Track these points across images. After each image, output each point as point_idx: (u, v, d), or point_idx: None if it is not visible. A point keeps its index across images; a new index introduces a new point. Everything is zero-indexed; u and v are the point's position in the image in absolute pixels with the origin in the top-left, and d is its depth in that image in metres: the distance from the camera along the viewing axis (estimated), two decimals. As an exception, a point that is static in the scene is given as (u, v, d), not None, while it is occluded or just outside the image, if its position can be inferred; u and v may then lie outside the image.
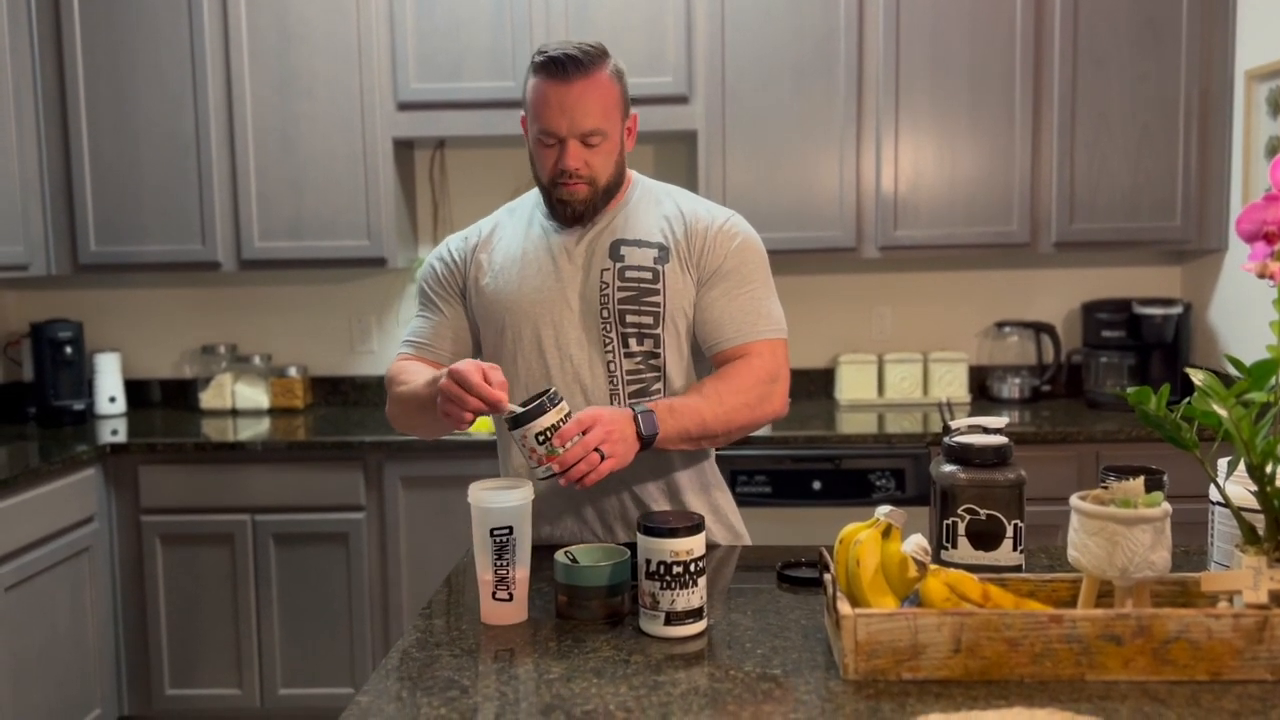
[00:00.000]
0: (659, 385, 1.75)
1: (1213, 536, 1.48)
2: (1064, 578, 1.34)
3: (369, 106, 3.29)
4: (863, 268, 3.62)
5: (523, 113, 1.74)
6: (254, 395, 3.63)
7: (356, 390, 3.74)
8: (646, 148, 3.64)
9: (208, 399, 3.64)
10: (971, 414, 3.07)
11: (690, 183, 3.43)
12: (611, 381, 1.73)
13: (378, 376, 3.73)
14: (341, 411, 3.61)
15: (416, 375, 1.75)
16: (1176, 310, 3.33)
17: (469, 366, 1.51)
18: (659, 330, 1.73)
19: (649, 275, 1.73)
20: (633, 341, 1.73)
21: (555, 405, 1.49)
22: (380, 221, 3.33)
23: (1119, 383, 3.38)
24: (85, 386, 3.53)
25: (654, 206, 1.80)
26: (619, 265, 1.73)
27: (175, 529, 3.13)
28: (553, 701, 1.19)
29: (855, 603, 1.27)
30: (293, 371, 3.65)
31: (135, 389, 3.74)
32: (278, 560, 3.13)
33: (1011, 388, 3.51)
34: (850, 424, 3.19)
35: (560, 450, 1.50)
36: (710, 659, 1.30)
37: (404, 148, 3.49)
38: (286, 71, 3.28)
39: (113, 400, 3.57)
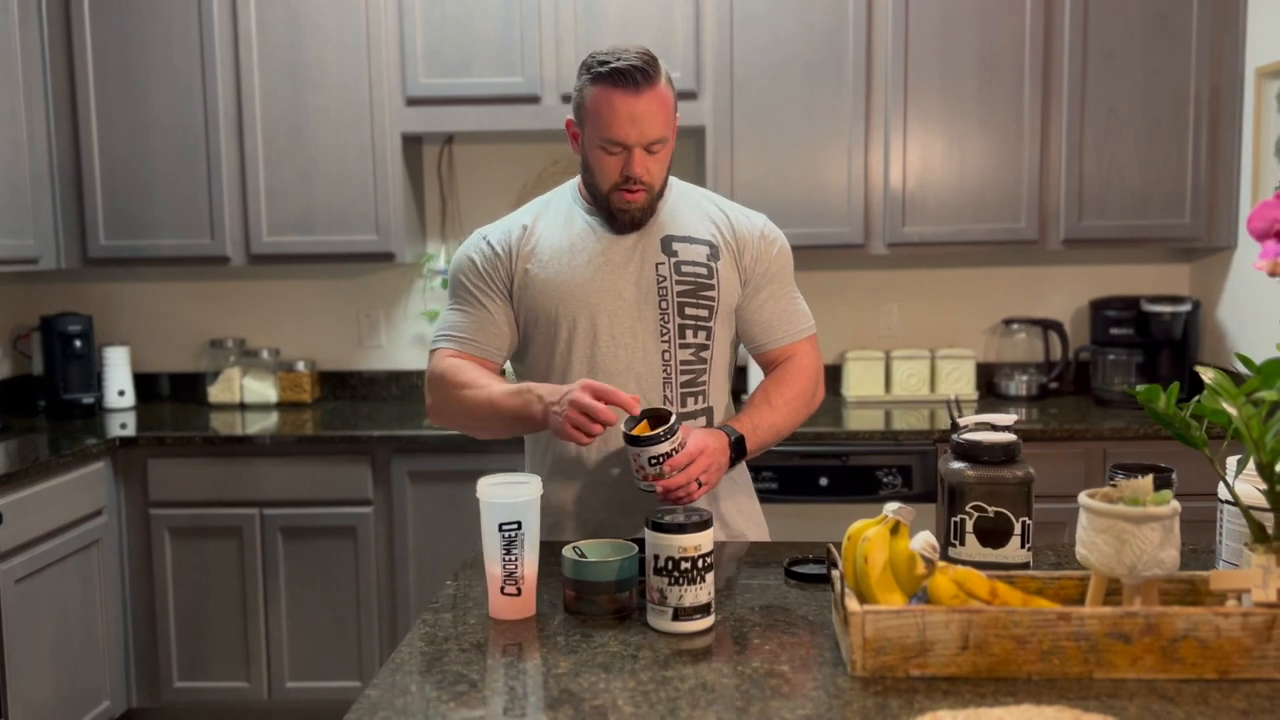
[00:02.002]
0: (705, 376, 1.82)
1: (1221, 535, 1.48)
2: (1072, 575, 1.34)
3: (378, 101, 3.29)
4: (870, 264, 3.61)
5: (569, 117, 1.78)
6: (262, 389, 3.65)
7: (365, 385, 3.75)
8: (654, 143, 3.64)
9: (216, 393, 3.65)
10: (979, 411, 3.07)
11: (698, 179, 3.43)
12: (665, 371, 1.79)
13: (386, 371, 3.74)
14: (349, 406, 3.62)
15: (482, 379, 1.75)
16: (1185, 308, 3.32)
17: (597, 385, 1.58)
18: (712, 323, 1.81)
19: (704, 271, 1.80)
20: (689, 333, 1.79)
21: (672, 436, 1.59)
22: (389, 217, 3.34)
23: (1127, 380, 3.37)
24: (95, 380, 3.54)
25: (693, 206, 1.87)
26: (673, 260, 1.79)
27: (184, 522, 3.14)
28: (561, 696, 1.20)
29: (863, 599, 1.27)
30: (301, 366, 3.66)
31: (144, 382, 3.75)
32: (286, 554, 3.14)
33: (1019, 385, 3.51)
34: (857, 420, 3.19)
35: (667, 475, 1.59)
36: (718, 654, 1.31)
37: (412, 143, 3.50)
38: (295, 65, 3.29)
39: (122, 394, 3.59)
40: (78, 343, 3.47)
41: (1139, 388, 1.27)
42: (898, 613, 1.21)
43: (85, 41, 3.29)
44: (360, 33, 3.27)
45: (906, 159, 3.26)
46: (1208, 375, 1.24)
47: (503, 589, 1.43)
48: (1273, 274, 1.20)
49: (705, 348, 1.81)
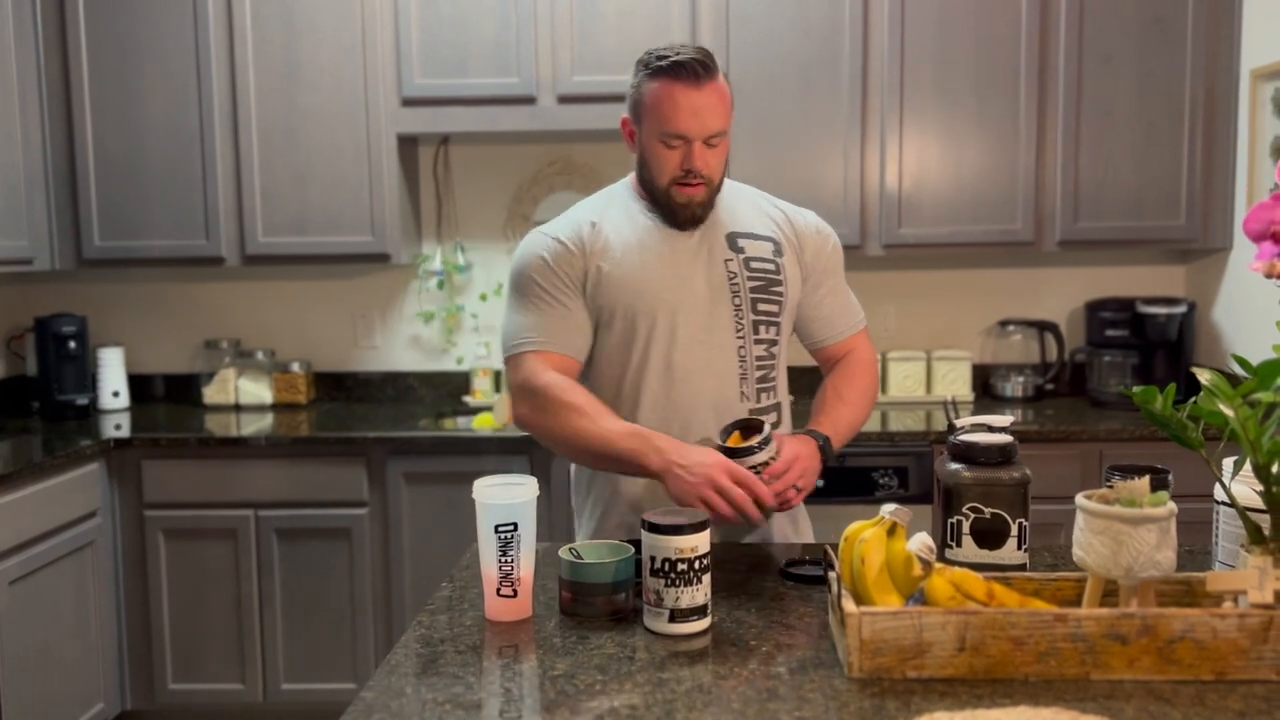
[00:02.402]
0: (775, 372, 1.84)
1: (1217, 536, 1.48)
2: (1069, 577, 1.34)
3: (373, 101, 3.28)
4: (867, 265, 3.61)
5: (624, 115, 1.79)
6: (257, 390, 3.64)
7: (360, 386, 3.74)
8: (650, 144, 3.63)
9: (211, 394, 3.64)
10: (975, 412, 3.07)
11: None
12: (742, 367, 1.79)
13: (381, 372, 3.73)
14: (345, 407, 3.61)
15: (593, 406, 1.70)
16: (1180, 309, 3.32)
17: (735, 470, 1.58)
18: (781, 319, 1.83)
19: (771, 267, 1.82)
20: (762, 329, 1.81)
21: (767, 446, 1.63)
22: (384, 217, 3.33)
23: (1122, 381, 3.37)
24: (89, 381, 3.53)
25: (747, 203, 1.88)
26: (741, 256, 1.80)
27: (179, 524, 3.13)
28: (557, 698, 1.19)
29: (860, 601, 1.27)
30: (296, 367, 3.65)
31: (139, 384, 3.74)
32: (281, 555, 3.13)
33: (1015, 386, 3.51)
34: (853, 422, 3.19)
35: (768, 483, 1.61)
36: (714, 656, 1.30)
37: (408, 143, 3.49)
38: (291, 65, 3.28)
39: (116, 395, 3.58)
40: (72, 344, 3.46)
41: (1136, 389, 1.26)
42: (895, 614, 1.20)
43: (80, 41, 3.29)
44: (356, 33, 3.26)
45: (903, 160, 3.26)
46: (1205, 376, 1.24)
47: (499, 590, 1.43)
48: (1269, 275, 1.20)
49: (775, 343, 1.83)
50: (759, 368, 1.80)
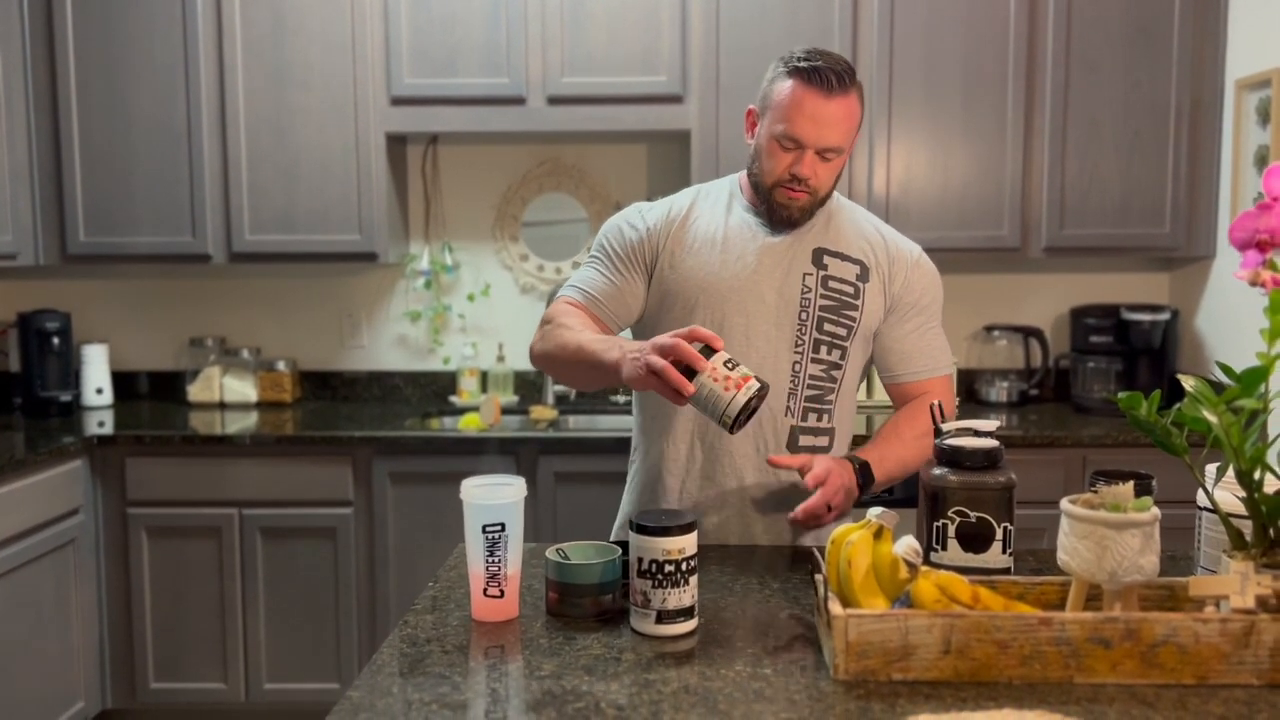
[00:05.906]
0: (832, 396, 1.81)
1: (1199, 541, 1.49)
2: (1053, 580, 1.35)
3: (362, 100, 3.28)
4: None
5: (751, 106, 1.79)
6: (242, 388, 3.62)
7: (345, 385, 3.73)
8: (639, 147, 3.64)
9: (195, 392, 3.62)
10: (960, 417, 3.09)
11: (683, 183, 3.44)
12: (793, 382, 1.78)
13: (367, 371, 3.73)
14: (330, 406, 3.60)
15: (581, 325, 1.75)
16: (1164, 316, 3.35)
17: (673, 343, 1.46)
18: (848, 344, 1.80)
19: (850, 290, 1.79)
20: (823, 349, 1.79)
21: (713, 357, 1.46)
22: (372, 216, 3.32)
23: (1106, 387, 3.39)
24: (72, 377, 3.51)
25: (852, 224, 1.86)
26: (822, 273, 1.79)
27: (162, 522, 3.11)
28: (543, 698, 1.19)
29: (846, 603, 1.27)
30: (281, 365, 3.64)
31: (122, 381, 3.72)
32: (264, 554, 3.12)
33: (999, 391, 3.53)
34: (839, 425, 3.20)
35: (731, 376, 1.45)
36: (701, 658, 1.31)
37: (397, 142, 3.49)
38: (280, 63, 3.27)
39: (100, 392, 3.56)
40: (55, 340, 3.44)
41: (1121, 395, 1.28)
42: (880, 616, 1.21)
43: (67, 35, 3.27)
44: (345, 32, 3.26)
45: (890, 165, 3.27)
46: (1189, 383, 1.25)
47: (485, 590, 1.43)
48: (1254, 283, 1.21)
49: (838, 367, 1.80)
50: (812, 387, 1.79)
